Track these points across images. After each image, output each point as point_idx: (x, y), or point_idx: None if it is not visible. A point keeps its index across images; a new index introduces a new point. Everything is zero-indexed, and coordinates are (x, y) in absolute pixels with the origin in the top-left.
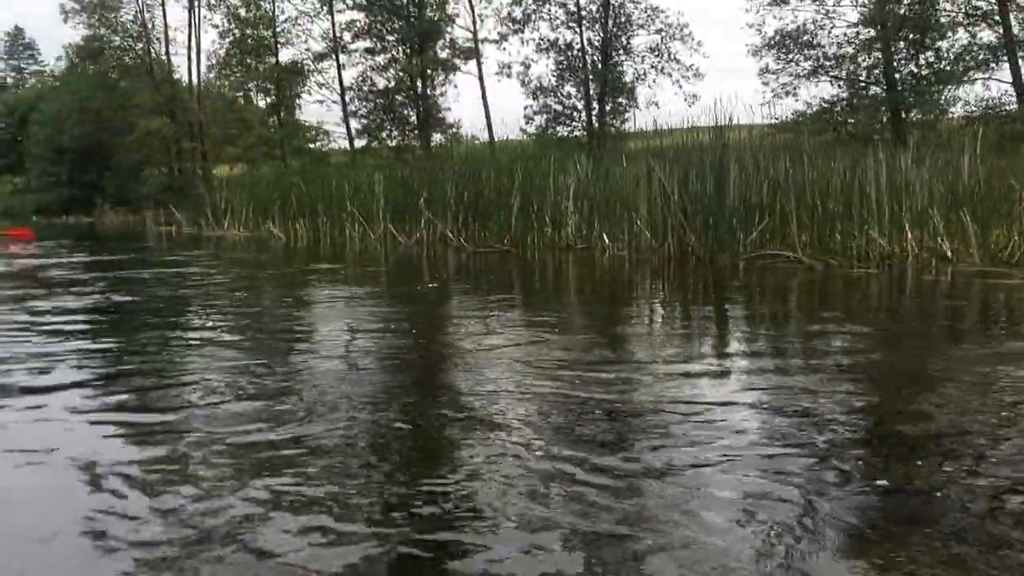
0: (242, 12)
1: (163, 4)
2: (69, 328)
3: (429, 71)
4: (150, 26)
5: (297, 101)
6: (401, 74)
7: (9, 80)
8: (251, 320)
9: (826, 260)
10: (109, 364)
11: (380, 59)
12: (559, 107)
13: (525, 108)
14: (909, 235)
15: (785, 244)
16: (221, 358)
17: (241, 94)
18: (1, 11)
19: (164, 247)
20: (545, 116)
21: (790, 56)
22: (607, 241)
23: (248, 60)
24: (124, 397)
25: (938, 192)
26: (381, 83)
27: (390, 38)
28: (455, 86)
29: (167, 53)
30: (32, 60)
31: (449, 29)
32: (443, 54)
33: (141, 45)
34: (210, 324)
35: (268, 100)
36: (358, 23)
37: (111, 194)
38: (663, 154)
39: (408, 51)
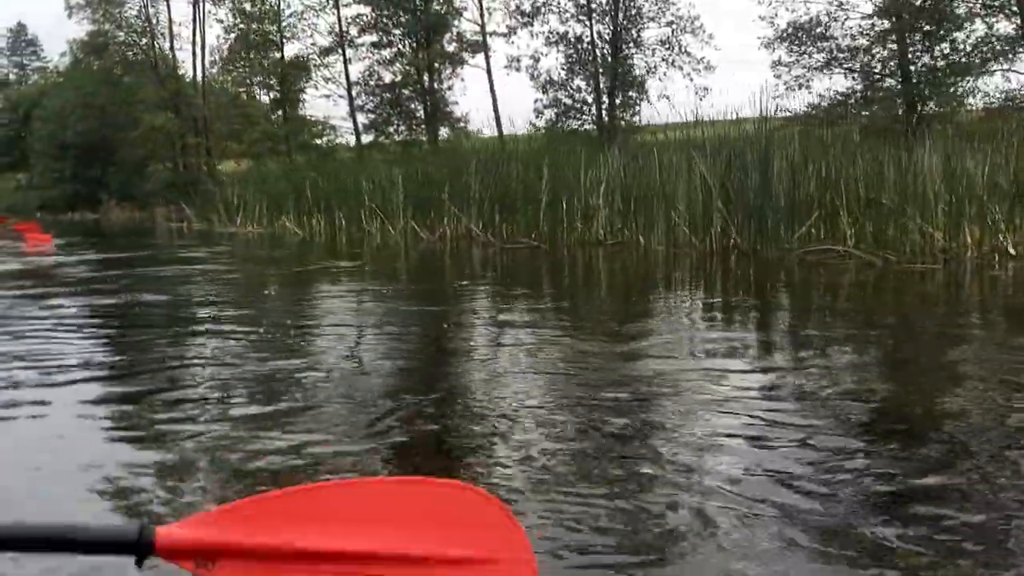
0: (247, 7)
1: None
2: (105, 328)
3: (436, 65)
4: (154, 21)
5: (303, 96)
6: (408, 68)
7: (11, 76)
8: (287, 320)
9: (882, 255)
10: (147, 364)
11: (386, 53)
12: (569, 101)
13: (535, 102)
14: (967, 230)
15: (835, 239)
16: (261, 358)
17: (244, 90)
18: (2, 10)
19: (178, 244)
20: (555, 110)
21: (803, 48)
22: (642, 236)
23: (252, 55)
24: (166, 396)
25: (1000, 185)
26: (388, 77)
27: (396, 32)
28: (462, 80)
29: (171, 48)
30: (35, 57)
31: (456, 22)
32: (450, 48)
33: (145, 40)
34: (244, 324)
35: (272, 95)
36: (364, 17)
37: (116, 190)
38: (703, 145)
39: (414, 45)
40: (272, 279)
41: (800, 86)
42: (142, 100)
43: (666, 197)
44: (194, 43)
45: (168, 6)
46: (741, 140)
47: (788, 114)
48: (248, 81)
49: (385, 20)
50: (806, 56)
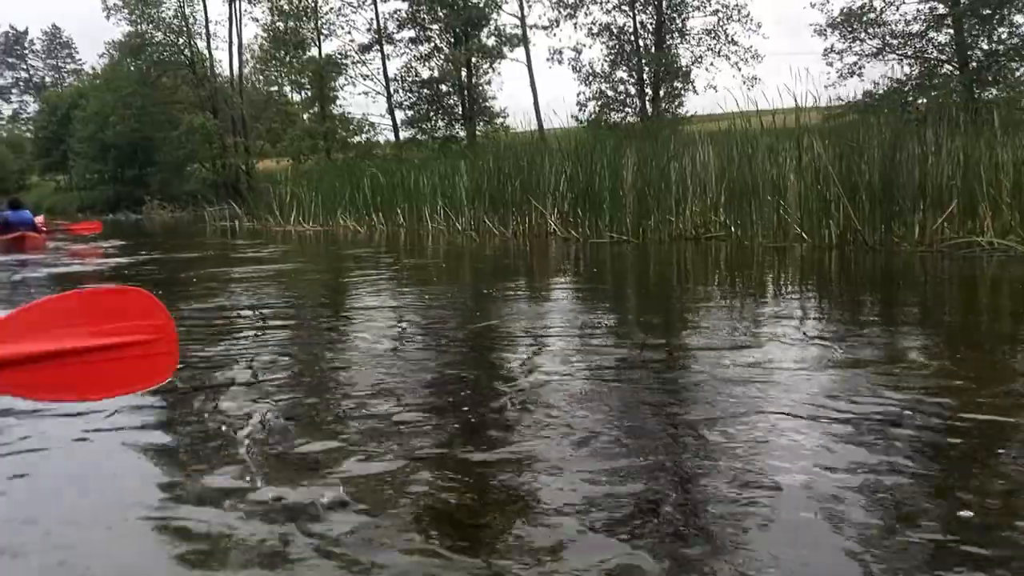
0: (284, 5)
1: None
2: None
3: (475, 60)
4: (191, 20)
5: (340, 93)
6: (446, 64)
7: (47, 79)
8: (433, 321)
9: None
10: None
11: (424, 48)
12: (612, 93)
13: (578, 95)
14: None
15: (973, 230)
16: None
17: (276, 88)
18: (36, 12)
19: (240, 244)
20: (598, 102)
21: (855, 35)
22: (743, 229)
23: (289, 53)
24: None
25: None
26: (426, 73)
27: (434, 27)
28: (499, 74)
29: (208, 48)
30: (70, 59)
31: (495, 16)
32: (489, 41)
33: (182, 40)
34: (378, 327)
35: (309, 93)
36: (401, 12)
37: (156, 190)
38: (822, 131)
39: (453, 40)
40: (359, 278)
41: (852, 73)
42: (180, 101)
43: (774, 186)
44: (230, 42)
45: (204, 5)
46: (868, 124)
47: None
48: (280, 80)
49: (423, 15)
50: (858, 43)
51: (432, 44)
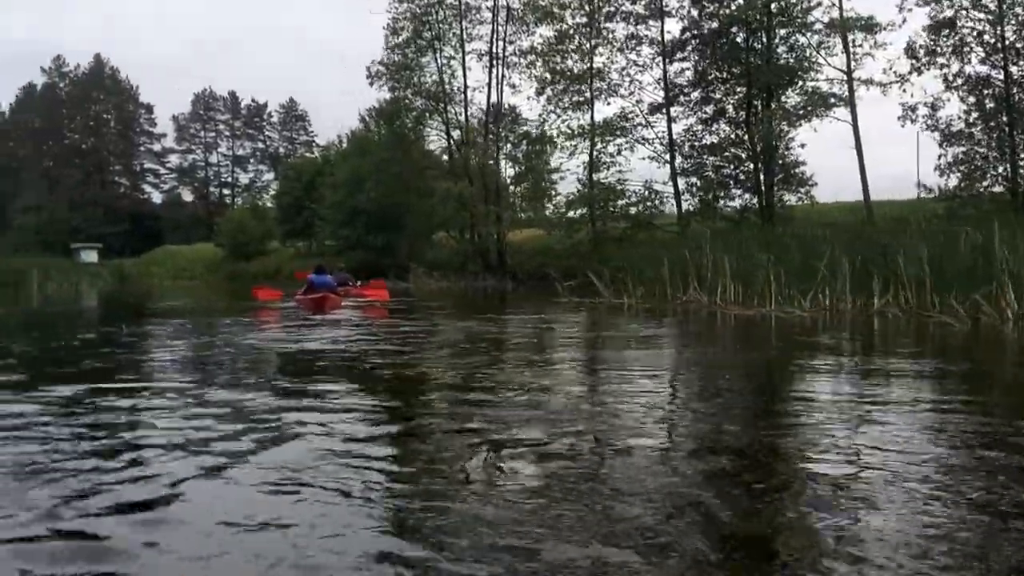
0: (565, 67)
1: (464, 65)
2: None
3: (779, 123)
4: (449, 87)
5: (618, 158)
6: (734, 131)
7: (281, 150)
8: None
9: None
10: None
11: (710, 109)
12: (978, 160)
13: (939, 157)
14: None
15: None
16: None
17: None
18: (276, 87)
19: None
20: (962, 169)
21: None
22: None
23: (566, 117)
24: None
25: None
26: (710, 139)
27: (723, 87)
28: (794, 138)
29: (466, 115)
30: (303, 131)
31: (815, 70)
32: (797, 99)
33: (440, 106)
34: None
35: (582, 159)
36: (687, 73)
37: (404, 257)
38: None
39: (747, 102)
40: None
41: None
42: (431, 167)
43: None
44: (488, 109)
45: (464, 72)
46: None
47: None
48: (556, 146)
49: (718, 72)
50: None
51: (718, 106)
